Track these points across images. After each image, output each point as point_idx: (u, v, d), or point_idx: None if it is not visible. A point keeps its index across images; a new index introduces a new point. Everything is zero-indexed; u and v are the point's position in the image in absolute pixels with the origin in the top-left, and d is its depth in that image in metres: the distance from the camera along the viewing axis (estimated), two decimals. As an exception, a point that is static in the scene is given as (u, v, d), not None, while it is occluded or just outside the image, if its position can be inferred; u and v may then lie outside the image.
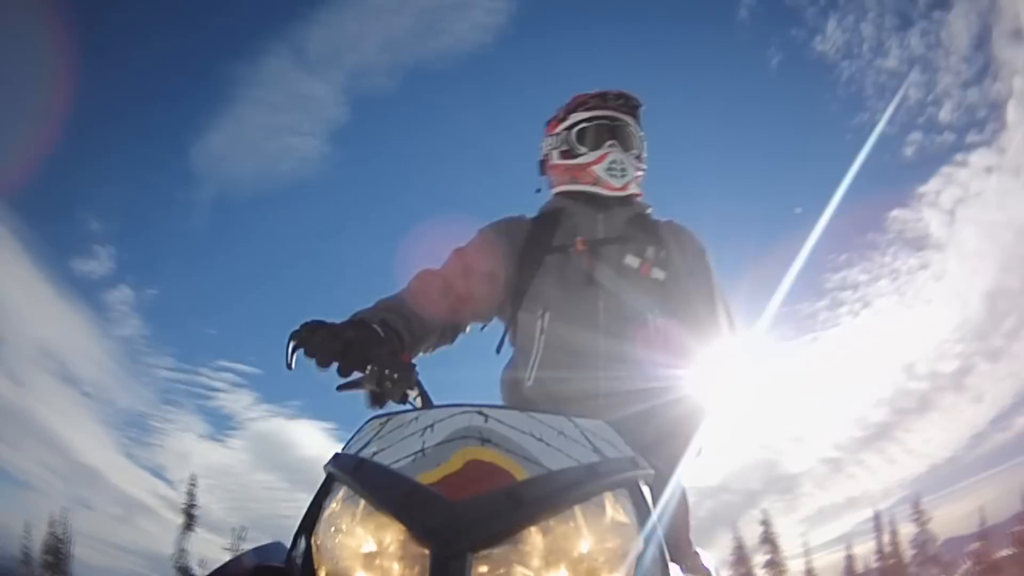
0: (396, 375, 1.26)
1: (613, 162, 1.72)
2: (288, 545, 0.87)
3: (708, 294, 1.71)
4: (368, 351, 1.27)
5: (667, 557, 0.83)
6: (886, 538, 25.16)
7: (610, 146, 1.74)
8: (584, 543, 0.76)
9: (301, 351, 1.25)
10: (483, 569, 0.70)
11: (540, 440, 0.83)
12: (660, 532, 0.83)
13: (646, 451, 1.09)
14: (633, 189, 1.78)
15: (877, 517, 25.60)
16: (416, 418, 0.88)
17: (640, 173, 1.81)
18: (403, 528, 0.73)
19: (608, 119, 1.77)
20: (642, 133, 1.83)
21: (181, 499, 23.37)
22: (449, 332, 1.69)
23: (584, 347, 1.57)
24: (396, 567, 0.73)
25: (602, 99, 1.79)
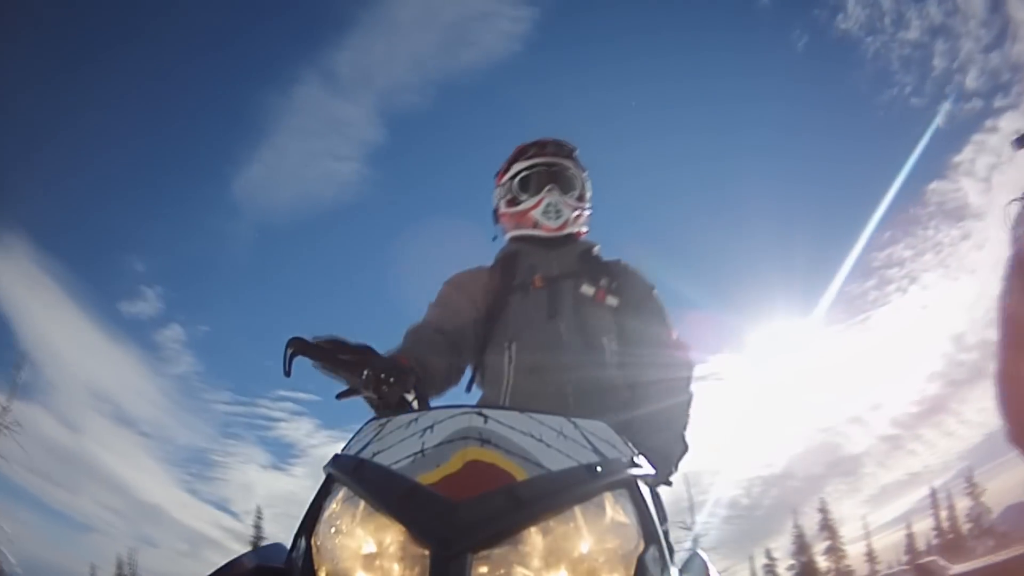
0: (392, 379, 1.28)
1: (548, 205, 1.84)
2: (288, 546, 0.87)
3: (660, 320, 1.85)
4: (364, 356, 1.29)
5: (667, 557, 0.83)
6: (943, 513, 25.31)
7: (548, 190, 1.84)
8: (584, 543, 0.76)
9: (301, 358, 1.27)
10: (483, 569, 0.70)
11: (540, 441, 0.83)
12: (660, 532, 0.83)
13: None
14: (572, 228, 1.89)
15: (933, 494, 25.88)
16: (416, 419, 0.88)
17: (580, 213, 1.92)
18: (403, 529, 0.73)
19: (545, 165, 1.89)
20: (584, 174, 1.94)
21: (247, 531, 23.49)
22: (455, 372, 1.77)
23: (552, 370, 1.67)
24: (396, 568, 0.73)
25: (539, 147, 1.92)
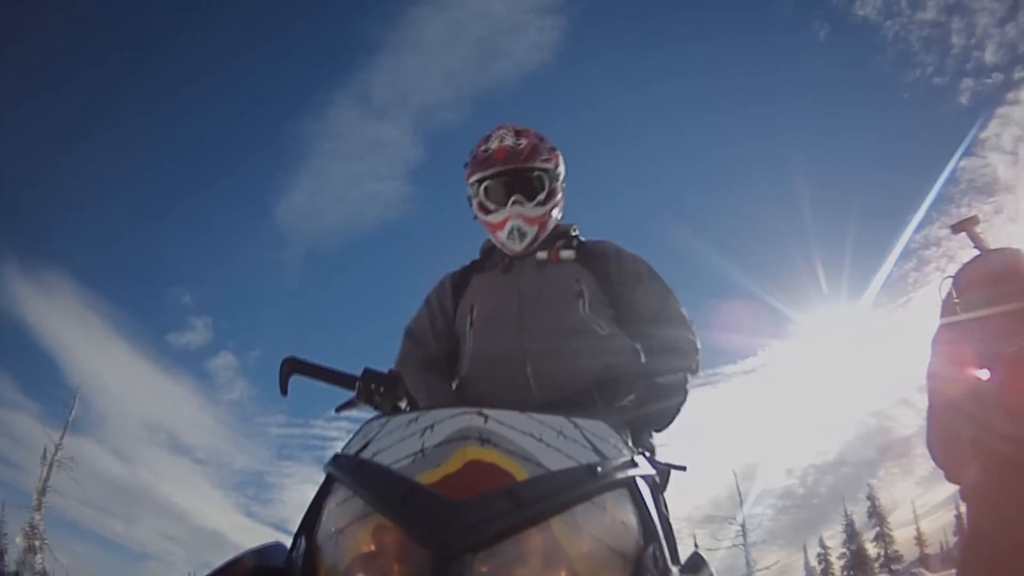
0: (383, 388, 1.32)
1: (512, 229, 1.78)
2: (288, 546, 0.88)
3: (646, 281, 1.77)
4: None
5: (667, 557, 0.82)
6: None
7: (513, 203, 1.77)
8: (584, 544, 0.75)
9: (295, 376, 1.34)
10: (483, 570, 0.70)
11: (540, 440, 0.82)
12: (660, 532, 0.82)
13: None
14: (544, 234, 1.83)
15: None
16: (416, 418, 0.88)
17: (550, 210, 1.83)
18: (403, 529, 0.72)
19: (506, 174, 1.79)
20: (549, 163, 1.83)
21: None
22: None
23: (508, 326, 1.66)
24: (396, 567, 0.73)
25: (495, 158, 1.80)
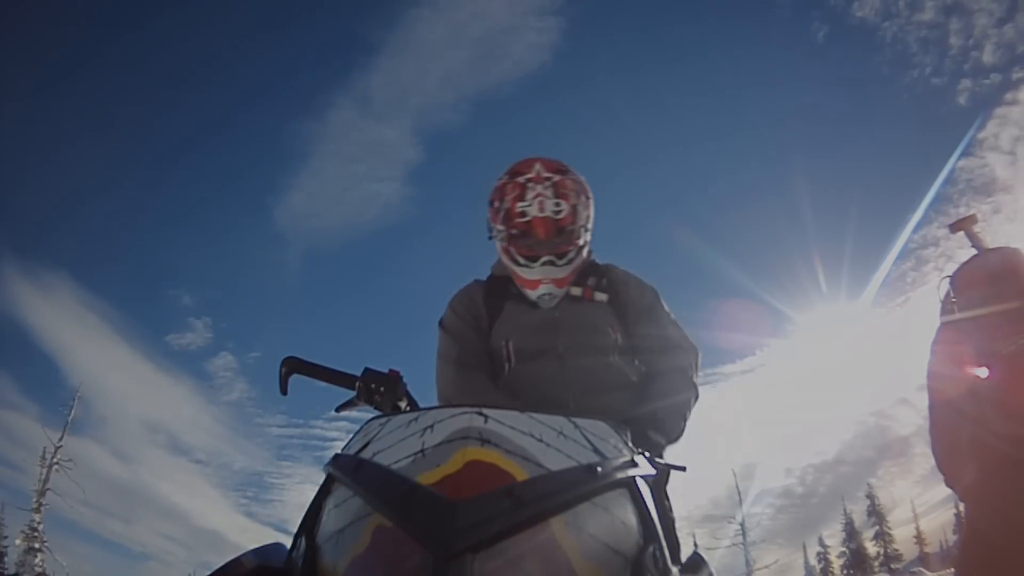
0: (383, 388, 1.31)
1: (543, 295, 1.82)
2: (288, 546, 0.88)
3: (658, 313, 1.89)
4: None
5: (667, 557, 0.82)
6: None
7: (544, 263, 1.78)
8: (584, 543, 0.75)
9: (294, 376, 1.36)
10: (483, 570, 0.69)
11: (540, 440, 0.82)
12: (660, 532, 0.82)
13: None
14: (569, 285, 1.86)
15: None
16: (416, 418, 0.88)
17: (580, 261, 1.86)
18: (403, 529, 0.72)
19: (545, 247, 1.79)
20: (584, 212, 1.83)
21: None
22: None
23: (548, 366, 1.72)
24: (396, 568, 0.73)
25: (539, 231, 1.78)
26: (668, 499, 1.64)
